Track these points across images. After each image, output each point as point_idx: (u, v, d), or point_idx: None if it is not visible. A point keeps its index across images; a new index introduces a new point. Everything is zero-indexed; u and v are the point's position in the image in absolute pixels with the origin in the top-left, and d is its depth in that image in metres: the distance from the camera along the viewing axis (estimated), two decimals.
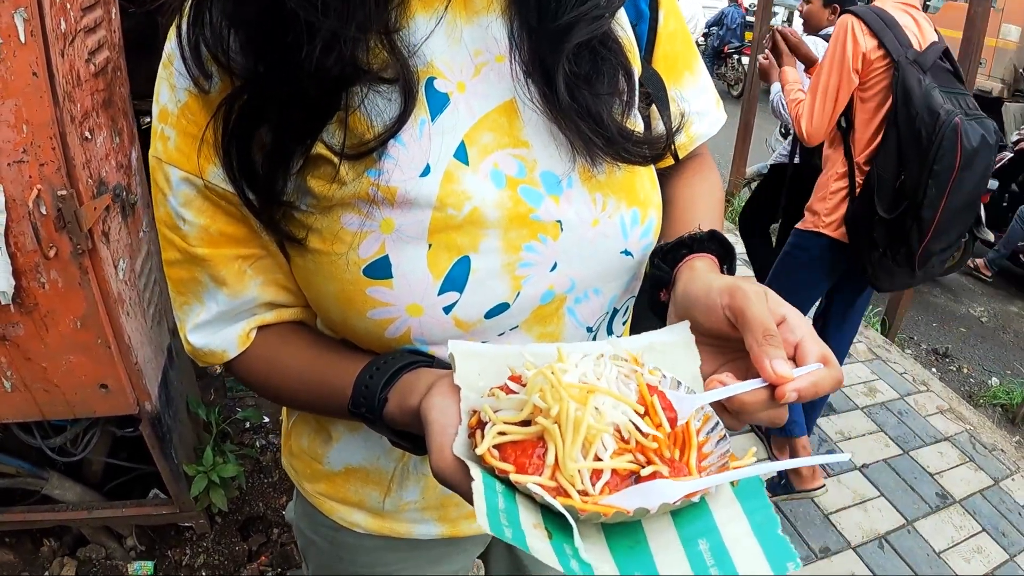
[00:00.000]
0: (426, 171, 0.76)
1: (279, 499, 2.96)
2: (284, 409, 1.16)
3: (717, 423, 0.70)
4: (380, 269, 0.77)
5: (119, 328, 1.97)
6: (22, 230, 1.79)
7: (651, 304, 0.89)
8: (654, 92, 0.95)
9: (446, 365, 0.79)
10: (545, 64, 0.79)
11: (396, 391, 0.78)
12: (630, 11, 0.94)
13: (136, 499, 2.58)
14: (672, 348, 0.76)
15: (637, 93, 0.89)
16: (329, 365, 0.87)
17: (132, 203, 2.14)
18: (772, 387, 0.65)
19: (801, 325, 0.69)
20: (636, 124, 0.88)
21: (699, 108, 1.06)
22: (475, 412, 0.66)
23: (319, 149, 0.75)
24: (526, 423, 0.62)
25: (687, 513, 0.64)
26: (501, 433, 0.61)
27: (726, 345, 0.73)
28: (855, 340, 4.56)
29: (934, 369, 4.97)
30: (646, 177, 0.90)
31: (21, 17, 1.65)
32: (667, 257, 0.86)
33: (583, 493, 0.59)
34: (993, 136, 2.58)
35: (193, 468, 2.51)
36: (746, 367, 0.69)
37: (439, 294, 0.78)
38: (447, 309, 0.79)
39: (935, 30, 2.78)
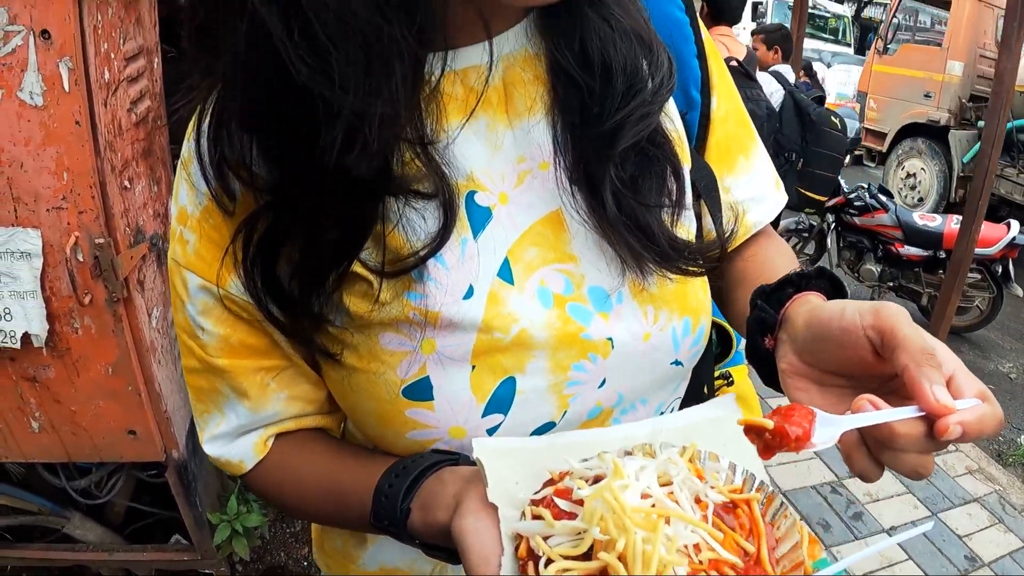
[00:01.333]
0: (469, 293, 0.72)
1: (301, 549, 2.94)
2: None
3: (782, 504, 0.64)
4: (421, 391, 0.74)
5: (150, 376, 1.97)
6: (58, 275, 1.80)
7: (751, 352, 0.81)
8: (704, 189, 0.90)
9: (472, 461, 0.73)
10: (591, 171, 0.75)
11: (419, 501, 0.72)
12: (679, 100, 0.89)
13: (157, 543, 2.56)
14: (721, 424, 0.72)
15: (688, 192, 0.84)
16: (349, 473, 0.82)
17: (167, 251, 2.14)
18: (930, 420, 0.57)
19: (951, 359, 0.61)
20: (688, 228, 0.84)
21: (755, 193, 0.98)
22: (521, 538, 0.61)
23: (356, 268, 0.71)
24: (586, 554, 0.57)
25: None
26: (562, 569, 0.56)
27: (858, 386, 0.66)
28: None
29: None
30: (697, 283, 0.85)
31: (66, 66, 1.67)
32: (771, 299, 0.79)
33: None
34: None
35: (217, 516, 2.50)
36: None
37: (483, 416, 0.75)
38: (491, 431, 0.75)
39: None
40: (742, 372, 1.23)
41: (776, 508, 0.64)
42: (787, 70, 5.56)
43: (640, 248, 0.75)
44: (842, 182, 6.04)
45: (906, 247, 5.80)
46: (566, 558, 0.57)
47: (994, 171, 4.50)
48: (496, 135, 0.75)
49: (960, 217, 5.14)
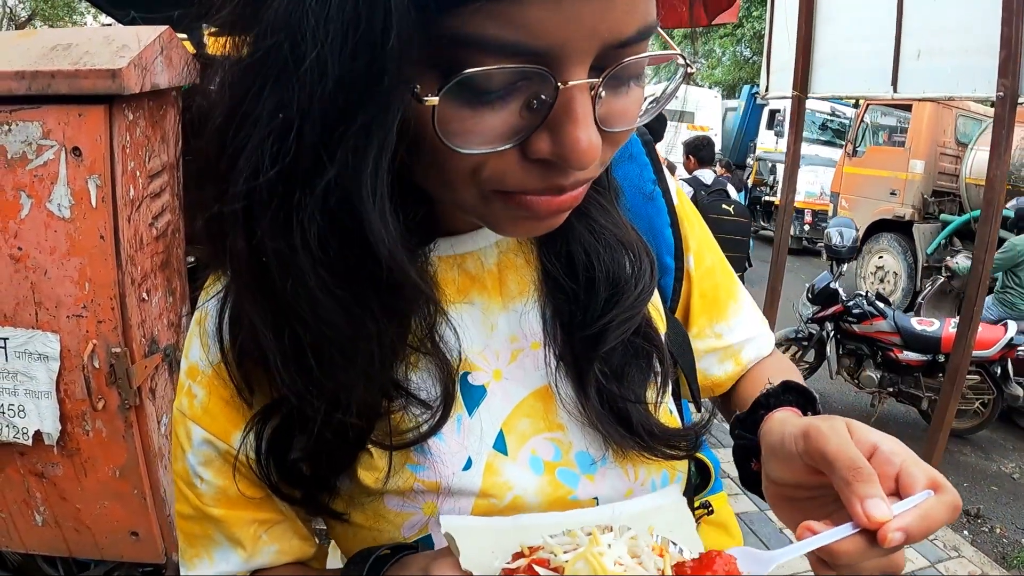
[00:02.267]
0: (468, 465, 0.76)
1: None
2: None
3: None
4: (423, 548, 0.76)
5: (156, 481, 2.01)
6: (74, 379, 1.87)
7: (744, 480, 0.85)
8: (679, 353, 0.93)
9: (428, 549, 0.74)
10: (577, 363, 0.78)
11: None
12: None
13: None
14: (664, 512, 0.75)
15: (671, 373, 0.87)
16: None
17: (179, 361, 2.19)
18: (872, 532, 0.57)
19: (899, 451, 0.62)
20: (665, 412, 0.87)
21: (747, 335, 1.03)
22: None
23: None
24: None
25: None
26: None
27: (827, 495, 0.65)
28: None
29: (966, 532, 4.84)
30: None
31: (95, 183, 1.76)
32: (747, 424, 0.83)
33: None
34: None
35: None
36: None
37: None
38: None
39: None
40: (721, 499, 1.26)
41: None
42: (705, 174, 6.47)
43: (619, 439, 0.79)
44: (840, 291, 6.12)
45: (905, 352, 5.82)
46: None
47: (988, 276, 4.54)
48: (490, 316, 0.80)
49: (957, 320, 5.18)
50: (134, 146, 1.85)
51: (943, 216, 9.68)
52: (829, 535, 0.58)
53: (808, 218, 13.27)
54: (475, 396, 0.79)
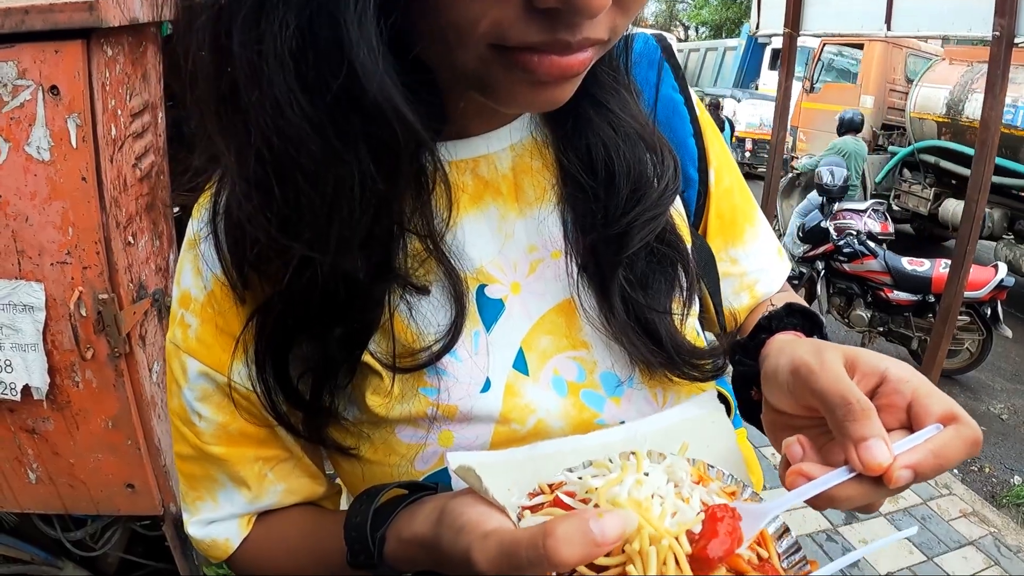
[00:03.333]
0: (487, 386, 0.72)
1: None
2: None
3: (794, 541, 0.60)
4: (439, 482, 0.72)
5: (150, 430, 1.96)
6: (60, 329, 1.80)
7: (744, 410, 0.82)
8: (704, 268, 0.89)
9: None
10: (601, 270, 0.74)
11: (394, 530, 0.67)
12: None
13: None
14: (699, 423, 0.71)
15: (696, 286, 0.83)
16: (329, 524, 0.78)
17: (168, 306, 2.15)
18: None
19: (910, 379, 0.58)
20: (696, 327, 0.83)
21: (762, 264, 0.98)
22: None
23: (367, 359, 0.69)
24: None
25: None
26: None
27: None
28: None
29: (956, 471, 4.90)
30: None
31: (74, 123, 1.69)
32: (748, 350, 0.79)
33: None
34: None
35: (212, 570, 2.47)
36: None
37: None
38: None
39: None
40: (741, 435, 1.23)
41: (778, 528, 0.61)
42: None
43: (646, 353, 0.75)
44: (831, 230, 6.12)
45: (895, 292, 5.87)
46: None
47: (980, 217, 4.54)
48: (507, 224, 0.75)
49: (948, 261, 5.20)
50: (114, 83, 1.76)
51: (891, 148, 10.61)
52: (825, 480, 0.55)
53: (748, 146, 14.77)
54: (493, 310, 0.74)
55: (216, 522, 0.81)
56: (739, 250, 0.96)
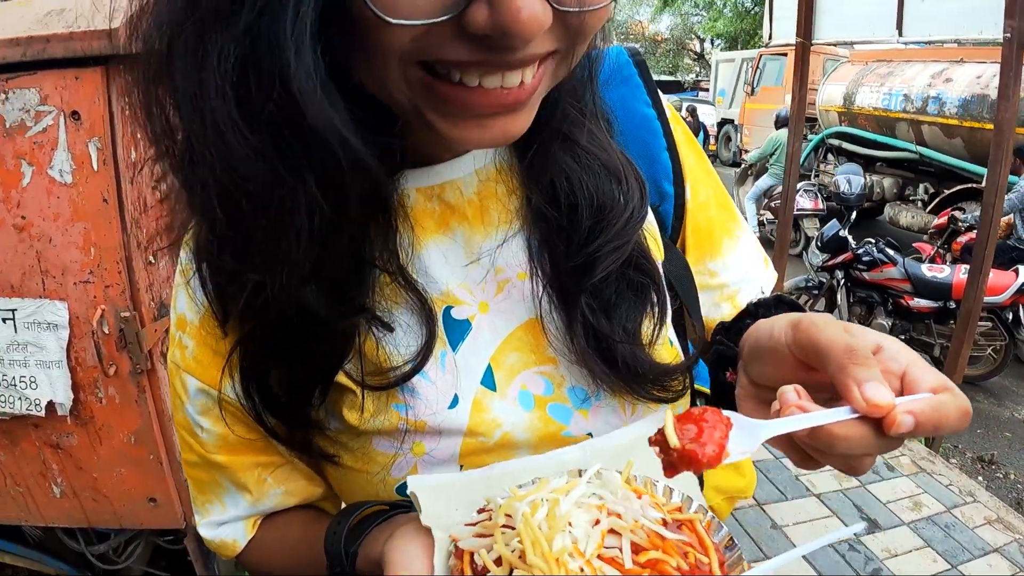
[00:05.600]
0: (454, 402, 0.75)
1: None
2: None
3: (727, 532, 0.62)
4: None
5: (171, 445, 2.00)
6: (84, 346, 1.85)
7: (714, 388, 0.82)
8: (678, 281, 0.89)
9: None
10: (564, 295, 0.76)
11: (364, 545, 0.72)
12: (651, 194, 0.87)
13: None
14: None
15: (668, 308, 0.83)
16: (320, 528, 0.80)
17: None
18: (874, 420, 0.52)
19: (903, 351, 0.57)
20: (670, 345, 0.84)
21: (743, 274, 0.96)
22: (464, 553, 0.58)
23: (341, 379, 0.73)
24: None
25: None
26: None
27: (817, 397, 0.59)
28: (899, 453, 4.51)
29: (980, 478, 4.85)
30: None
31: (95, 147, 1.74)
32: (730, 332, 0.79)
33: None
34: None
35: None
36: None
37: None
38: None
39: None
40: None
41: (716, 530, 0.62)
42: None
43: (605, 377, 0.77)
44: (850, 239, 6.11)
45: (916, 299, 5.84)
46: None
47: (998, 222, 4.50)
48: (473, 247, 0.78)
49: (968, 267, 5.17)
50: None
51: (809, 136, 12.37)
52: (827, 415, 0.53)
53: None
54: (459, 331, 0.77)
55: (225, 524, 0.87)
56: (717, 262, 0.96)
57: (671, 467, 0.56)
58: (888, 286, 5.99)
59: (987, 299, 5.15)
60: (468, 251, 0.78)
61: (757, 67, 15.76)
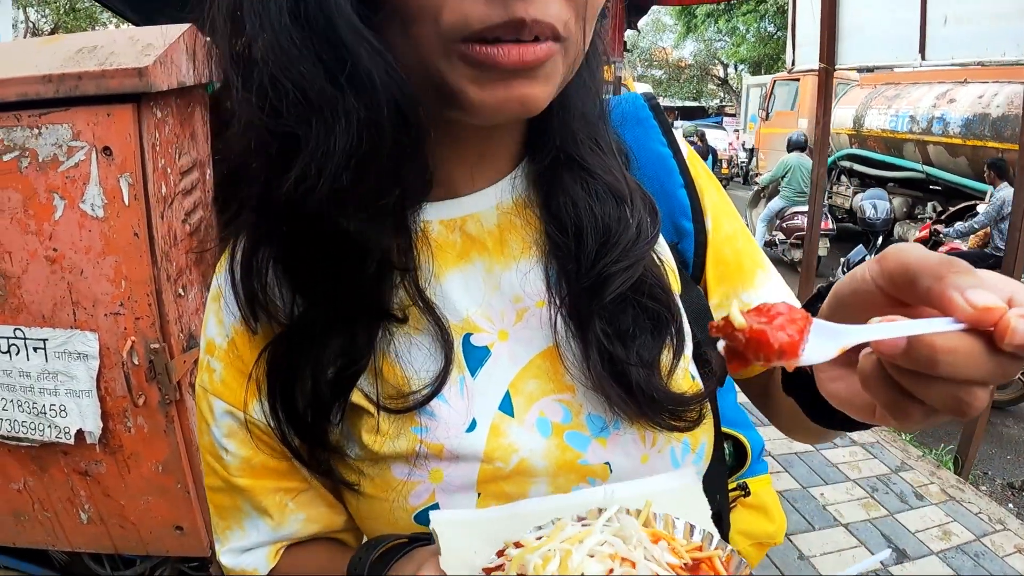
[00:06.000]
0: (472, 426, 0.76)
1: None
2: None
3: (741, 562, 0.61)
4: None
5: (199, 474, 2.02)
6: (114, 376, 1.89)
7: (787, 383, 0.79)
8: (694, 316, 0.88)
9: None
10: (581, 321, 0.78)
11: None
12: (668, 232, 0.89)
13: None
14: (677, 494, 0.71)
15: (688, 340, 0.84)
16: (341, 562, 0.81)
17: None
18: (983, 334, 0.43)
19: (1005, 280, 0.46)
20: (688, 376, 0.84)
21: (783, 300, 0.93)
22: None
23: (360, 401, 0.75)
24: None
25: None
26: None
27: None
28: (927, 481, 4.46)
29: (1011, 505, 4.77)
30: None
31: (127, 182, 1.78)
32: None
33: None
34: None
35: None
36: None
37: None
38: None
39: None
40: (764, 482, 1.22)
41: (736, 566, 0.61)
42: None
43: (622, 403, 0.77)
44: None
45: None
46: None
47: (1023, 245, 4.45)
48: (493, 276, 0.80)
49: None
50: (164, 143, 1.86)
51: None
52: (926, 324, 0.44)
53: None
54: (478, 357, 0.79)
55: (247, 552, 0.87)
56: (751, 293, 0.95)
57: (736, 357, 0.49)
58: None
59: None
60: (488, 280, 0.80)
61: (771, 93, 16.25)
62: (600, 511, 0.64)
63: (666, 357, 0.81)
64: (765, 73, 22.18)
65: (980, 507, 4.42)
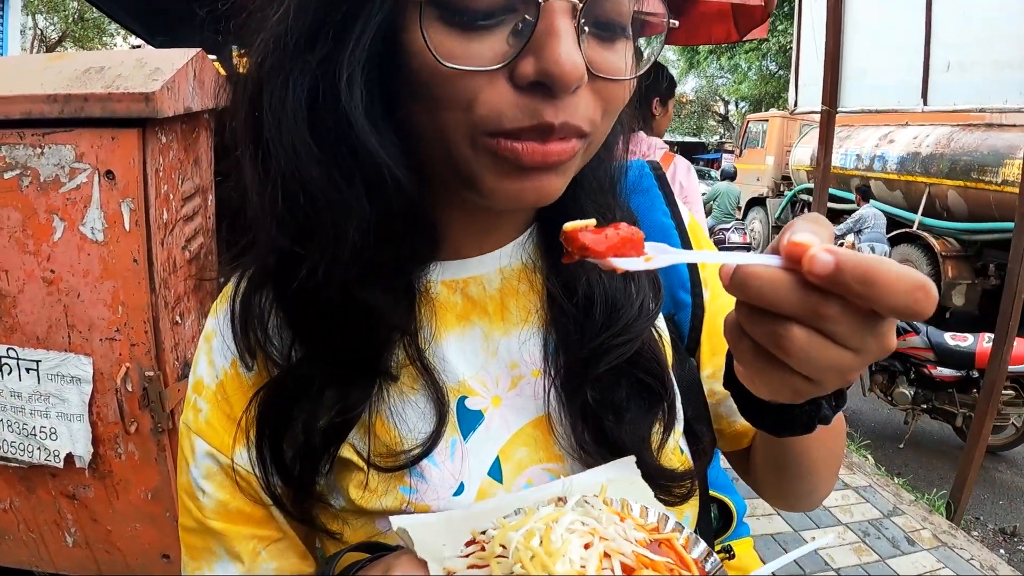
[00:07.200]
0: (460, 490, 0.76)
1: None
2: None
3: (706, 547, 0.64)
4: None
5: None
6: (107, 402, 1.87)
7: (728, 379, 0.78)
8: (685, 389, 0.88)
9: None
10: (573, 391, 0.78)
11: None
12: (665, 304, 0.88)
13: None
14: (620, 484, 0.73)
15: (680, 416, 0.84)
16: None
17: None
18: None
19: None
20: (676, 450, 0.84)
21: None
22: None
23: (350, 456, 0.75)
24: None
25: None
26: None
27: None
28: (919, 527, 4.44)
29: (1002, 551, 4.76)
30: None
31: (128, 207, 1.77)
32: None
33: None
34: None
35: None
36: None
37: None
38: None
39: None
40: (746, 545, 1.23)
41: (702, 552, 0.64)
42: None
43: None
44: None
45: (939, 368, 5.76)
46: None
47: (1023, 290, 4.45)
48: (491, 342, 0.80)
49: (992, 336, 5.11)
50: (167, 169, 1.85)
51: (786, 192, 14.87)
52: (756, 257, 0.50)
53: None
54: (472, 421, 0.79)
55: None
56: None
57: (568, 255, 0.58)
58: (911, 355, 5.92)
59: (1011, 368, 5.09)
60: (486, 346, 0.80)
61: (744, 131, 18.01)
62: (560, 500, 0.66)
63: (657, 431, 0.81)
64: (765, 110, 22.55)
65: (972, 553, 4.41)
